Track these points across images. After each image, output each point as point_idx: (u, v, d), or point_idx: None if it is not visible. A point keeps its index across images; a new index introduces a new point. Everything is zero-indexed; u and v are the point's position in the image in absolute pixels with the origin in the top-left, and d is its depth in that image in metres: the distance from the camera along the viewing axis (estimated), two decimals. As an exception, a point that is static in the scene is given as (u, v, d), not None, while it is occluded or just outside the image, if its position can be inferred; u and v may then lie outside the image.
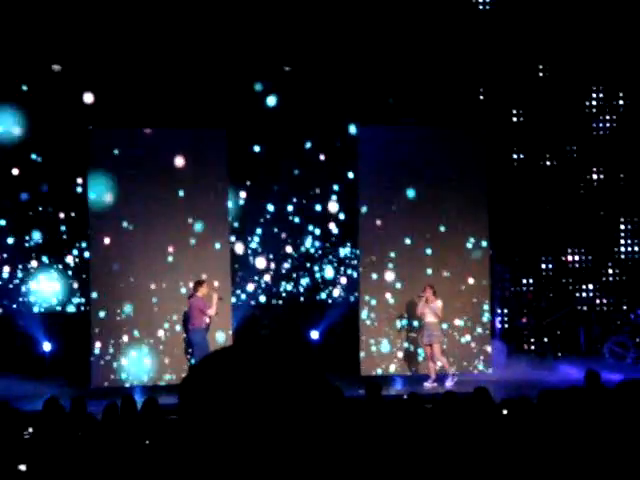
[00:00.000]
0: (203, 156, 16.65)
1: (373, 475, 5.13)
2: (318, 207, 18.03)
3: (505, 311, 19.39)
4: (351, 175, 17.67)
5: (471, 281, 17.21)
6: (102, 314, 16.48)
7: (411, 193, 17.13)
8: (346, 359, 16.92)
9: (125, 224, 16.47)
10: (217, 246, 16.71)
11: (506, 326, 19.34)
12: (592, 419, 7.64)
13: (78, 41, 16.68)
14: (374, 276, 17.18)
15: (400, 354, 17.30)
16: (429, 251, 17.20)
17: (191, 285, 16.14)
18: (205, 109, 16.98)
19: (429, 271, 17.15)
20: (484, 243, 17.35)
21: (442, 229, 17.26)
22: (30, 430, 8.85)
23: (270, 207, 17.99)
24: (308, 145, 17.81)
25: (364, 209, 17.15)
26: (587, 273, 19.76)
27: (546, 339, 19.35)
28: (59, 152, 17.02)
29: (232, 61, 17.17)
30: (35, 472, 7.08)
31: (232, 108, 17.07)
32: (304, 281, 18.46)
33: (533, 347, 19.42)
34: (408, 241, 17.12)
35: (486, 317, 17.40)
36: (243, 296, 18.07)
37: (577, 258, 19.80)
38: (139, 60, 16.97)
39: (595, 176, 19.69)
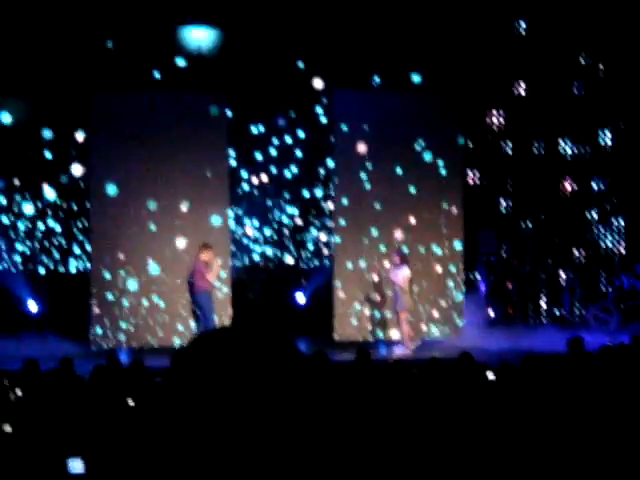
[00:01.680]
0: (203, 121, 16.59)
1: (366, 439, 5.18)
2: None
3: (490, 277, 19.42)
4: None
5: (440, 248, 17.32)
6: (106, 275, 16.48)
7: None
8: (321, 323, 17.06)
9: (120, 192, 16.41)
10: (213, 220, 16.69)
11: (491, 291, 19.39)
12: (575, 385, 7.70)
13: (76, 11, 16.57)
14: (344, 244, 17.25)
15: (369, 318, 17.36)
16: (404, 217, 17.19)
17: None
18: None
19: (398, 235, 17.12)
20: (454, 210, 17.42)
21: (415, 195, 17.24)
22: (18, 392, 8.85)
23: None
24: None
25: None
26: (569, 238, 19.81)
27: (530, 305, 19.44)
28: (59, 115, 16.91)
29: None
30: (20, 433, 7.10)
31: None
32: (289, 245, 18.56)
33: (518, 313, 19.48)
34: (378, 206, 17.11)
35: (460, 285, 17.46)
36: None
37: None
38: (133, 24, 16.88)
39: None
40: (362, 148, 16.78)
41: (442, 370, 6.76)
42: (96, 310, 16.44)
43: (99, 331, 16.45)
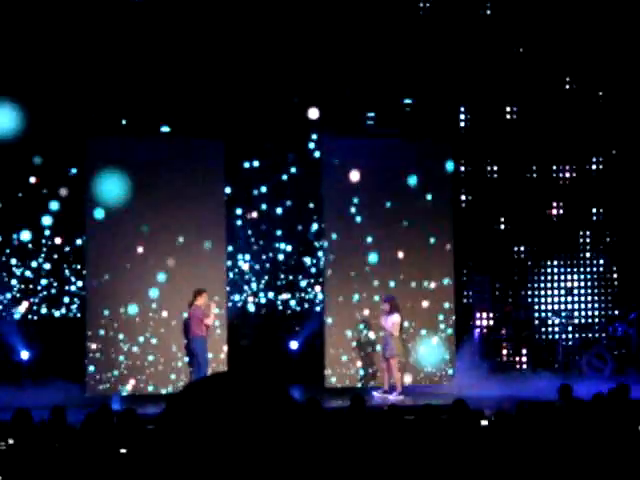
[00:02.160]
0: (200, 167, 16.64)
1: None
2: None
3: (484, 322, 19.37)
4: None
5: (432, 285, 17.28)
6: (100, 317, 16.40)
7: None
8: (311, 370, 17.03)
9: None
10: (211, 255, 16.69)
11: (485, 337, 19.33)
12: (567, 432, 7.68)
13: (78, 49, 16.69)
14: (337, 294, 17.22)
15: (360, 365, 17.29)
16: (397, 258, 17.17)
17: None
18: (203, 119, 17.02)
19: (392, 284, 17.15)
20: (448, 246, 17.42)
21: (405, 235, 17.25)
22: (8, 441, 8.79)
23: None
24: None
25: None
26: (560, 283, 19.85)
27: (524, 352, 19.37)
28: (56, 159, 16.96)
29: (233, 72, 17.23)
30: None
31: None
32: (280, 291, 18.54)
33: (511, 360, 19.41)
34: (374, 256, 17.13)
35: (449, 329, 17.42)
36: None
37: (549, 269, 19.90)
38: (137, 68, 16.99)
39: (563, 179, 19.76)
40: (355, 176, 16.83)
41: (436, 416, 6.73)
42: (91, 354, 16.35)
43: (93, 376, 16.33)
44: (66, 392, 15.16)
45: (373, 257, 17.08)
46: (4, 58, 16.52)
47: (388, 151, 17.29)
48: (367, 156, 17.15)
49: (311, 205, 18.07)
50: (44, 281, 17.88)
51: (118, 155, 16.36)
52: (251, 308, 18.49)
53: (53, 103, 16.81)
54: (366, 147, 17.35)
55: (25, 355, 17.31)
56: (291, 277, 18.63)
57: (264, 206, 18.12)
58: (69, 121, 16.79)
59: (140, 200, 16.26)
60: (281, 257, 18.44)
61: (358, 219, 17.13)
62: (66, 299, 17.98)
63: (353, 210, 17.10)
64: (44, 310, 18.00)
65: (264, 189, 18.06)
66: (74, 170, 17.10)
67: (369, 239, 17.08)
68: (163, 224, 16.42)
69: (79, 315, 17.61)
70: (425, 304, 17.22)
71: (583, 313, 19.83)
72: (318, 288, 18.23)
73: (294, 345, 18.16)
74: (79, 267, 17.62)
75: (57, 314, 18.05)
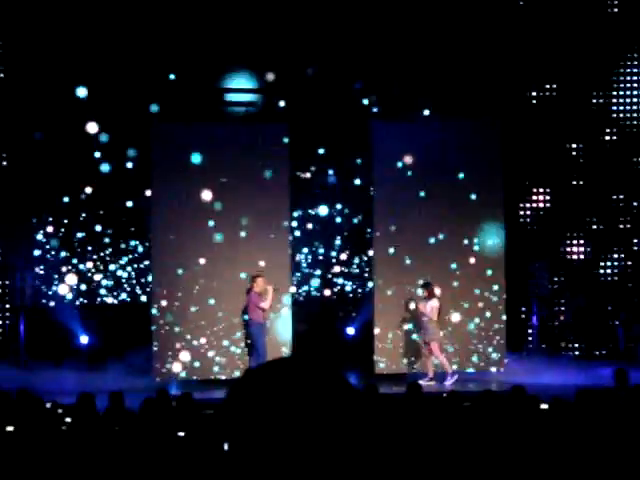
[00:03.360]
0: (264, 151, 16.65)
1: (415, 472, 5.10)
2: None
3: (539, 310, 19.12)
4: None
5: (489, 272, 17.12)
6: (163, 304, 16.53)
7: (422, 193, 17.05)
8: (360, 355, 17.02)
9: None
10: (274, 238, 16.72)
11: (544, 325, 19.10)
12: (623, 417, 7.57)
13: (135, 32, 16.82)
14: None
15: (406, 351, 17.23)
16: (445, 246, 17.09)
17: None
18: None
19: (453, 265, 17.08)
20: (498, 238, 17.24)
21: (455, 222, 17.12)
22: (66, 424, 8.88)
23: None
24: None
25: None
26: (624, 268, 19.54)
27: (584, 340, 19.14)
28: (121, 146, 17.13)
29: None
30: (68, 466, 7.10)
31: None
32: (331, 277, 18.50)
33: (570, 347, 19.18)
34: (424, 236, 17.04)
35: (502, 313, 17.26)
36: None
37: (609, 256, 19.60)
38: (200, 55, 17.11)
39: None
40: (408, 159, 16.75)
41: (495, 403, 6.66)
42: (155, 343, 16.50)
43: (159, 363, 16.51)
44: (128, 377, 15.38)
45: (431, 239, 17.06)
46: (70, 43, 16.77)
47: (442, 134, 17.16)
48: (419, 141, 17.05)
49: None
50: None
51: (184, 139, 16.48)
52: (313, 293, 18.49)
53: (120, 87, 16.93)
54: (418, 133, 17.23)
55: (84, 339, 17.51)
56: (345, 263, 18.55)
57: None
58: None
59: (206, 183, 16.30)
60: (338, 242, 18.41)
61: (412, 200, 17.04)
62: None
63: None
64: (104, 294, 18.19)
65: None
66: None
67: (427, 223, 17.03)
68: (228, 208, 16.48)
69: (144, 299, 17.77)
70: (477, 290, 17.13)
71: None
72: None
73: (351, 331, 18.14)
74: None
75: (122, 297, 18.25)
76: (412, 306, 16.92)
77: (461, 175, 17.04)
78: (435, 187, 17.02)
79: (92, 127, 15.98)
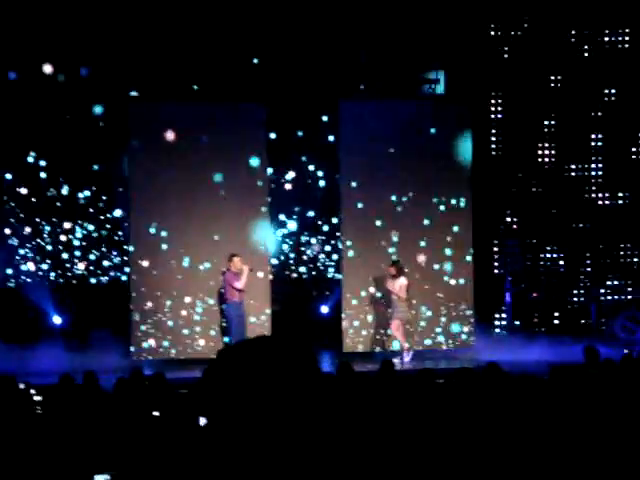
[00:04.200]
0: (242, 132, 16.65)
1: (397, 449, 5.12)
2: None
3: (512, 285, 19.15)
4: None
5: (448, 252, 17.21)
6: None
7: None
8: (330, 334, 17.07)
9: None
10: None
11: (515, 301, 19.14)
12: (596, 394, 7.63)
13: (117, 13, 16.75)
14: (350, 253, 17.17)
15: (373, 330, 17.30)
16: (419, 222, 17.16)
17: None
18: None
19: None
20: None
21: (425, 201, 17.18)
22: (39, 404, 8.85)
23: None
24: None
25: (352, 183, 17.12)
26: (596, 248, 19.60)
27: (557, 316, 19.22)
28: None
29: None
30: (44, 444, 7.07)
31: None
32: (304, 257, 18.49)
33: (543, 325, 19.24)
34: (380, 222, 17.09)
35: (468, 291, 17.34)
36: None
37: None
38: (177, 33, 17.02)
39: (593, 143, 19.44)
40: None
41: (471, 380, 6.69)
42: (136, 319, 16.52)
43: (139, 342, 16.52)
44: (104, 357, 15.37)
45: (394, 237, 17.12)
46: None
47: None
48: (388, 118, 17.08)
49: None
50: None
51: (162, 119, 16.54)
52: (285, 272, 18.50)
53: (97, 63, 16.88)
54: (386, 110, 17.23)
55: (57, 319, 17.43)
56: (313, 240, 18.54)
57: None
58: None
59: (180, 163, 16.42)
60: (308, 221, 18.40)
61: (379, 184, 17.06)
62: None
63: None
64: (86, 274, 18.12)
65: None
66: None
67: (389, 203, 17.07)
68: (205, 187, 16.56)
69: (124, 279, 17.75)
70: (447, 267, 17.20)
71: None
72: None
73: (325, 310, 18.16)
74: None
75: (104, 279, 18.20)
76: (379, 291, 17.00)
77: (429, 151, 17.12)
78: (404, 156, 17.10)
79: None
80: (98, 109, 16.83)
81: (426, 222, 17.17)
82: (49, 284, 17.73)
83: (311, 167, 18.17)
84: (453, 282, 17.23)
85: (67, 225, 17.68)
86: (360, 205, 17.03)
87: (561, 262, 19.44)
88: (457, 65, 17.94)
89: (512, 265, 18.86)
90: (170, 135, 16.34)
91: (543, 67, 18.98)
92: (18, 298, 17.42)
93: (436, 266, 17.19)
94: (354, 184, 17.05)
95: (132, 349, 16.49)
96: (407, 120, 17.11)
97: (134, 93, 16.80)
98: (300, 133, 17.96)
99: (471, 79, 18.08)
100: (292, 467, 2.00)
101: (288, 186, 18.10)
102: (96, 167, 17.52)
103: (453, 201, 17.27)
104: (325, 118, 17.83)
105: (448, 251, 17.20)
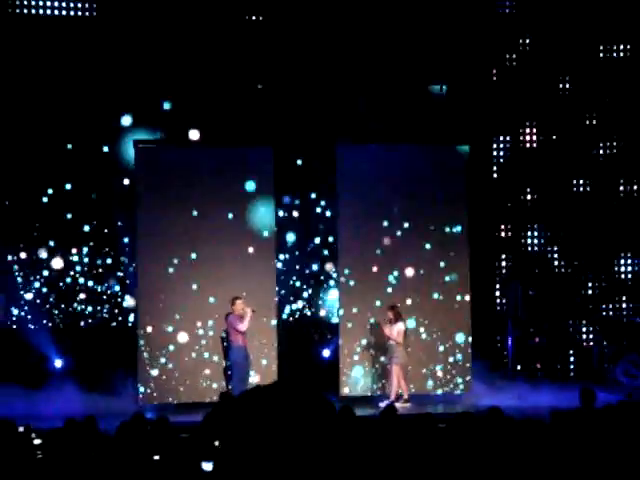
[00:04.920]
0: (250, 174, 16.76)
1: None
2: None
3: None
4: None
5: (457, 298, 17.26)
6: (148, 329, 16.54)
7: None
8: (326, 378, 16.93)
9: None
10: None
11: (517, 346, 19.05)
12: (592, 438, 7.61)
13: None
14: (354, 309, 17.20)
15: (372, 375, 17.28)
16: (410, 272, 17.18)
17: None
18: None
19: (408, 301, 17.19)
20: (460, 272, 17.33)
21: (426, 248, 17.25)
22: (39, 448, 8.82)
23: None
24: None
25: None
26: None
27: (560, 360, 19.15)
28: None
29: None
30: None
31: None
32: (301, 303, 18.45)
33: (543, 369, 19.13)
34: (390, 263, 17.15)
35: (462, 337, 17.27)
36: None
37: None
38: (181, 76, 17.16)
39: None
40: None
41: (473, 425, 6.68)
42: (142, 365, 16.49)
43: (142, 388, 16.49)
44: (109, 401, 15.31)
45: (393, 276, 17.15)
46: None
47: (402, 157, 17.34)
48: (384, 163, 17.19)
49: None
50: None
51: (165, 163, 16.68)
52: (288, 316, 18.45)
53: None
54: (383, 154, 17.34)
55: (58, 363, 17.36)
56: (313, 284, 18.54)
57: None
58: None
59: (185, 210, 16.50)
60: (315, 267, 18.38)
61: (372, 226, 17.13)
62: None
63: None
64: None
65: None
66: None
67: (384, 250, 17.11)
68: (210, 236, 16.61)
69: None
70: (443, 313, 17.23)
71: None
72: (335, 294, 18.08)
73: (326, 353, 18.11)
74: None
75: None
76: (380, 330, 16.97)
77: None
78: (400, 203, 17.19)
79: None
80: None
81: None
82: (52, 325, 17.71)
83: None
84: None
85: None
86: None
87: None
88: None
89: (513, 309, 18.83)
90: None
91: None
92: (19, 340, 17.38)
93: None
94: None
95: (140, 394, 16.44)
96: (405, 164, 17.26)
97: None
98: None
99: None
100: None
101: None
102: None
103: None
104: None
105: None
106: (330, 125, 17.41)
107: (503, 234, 19.33)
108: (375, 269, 17.15)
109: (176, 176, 16.58)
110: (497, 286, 19.20)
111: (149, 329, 16.53)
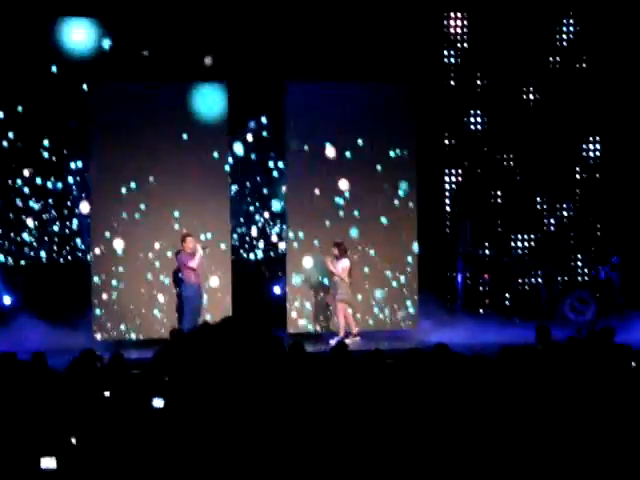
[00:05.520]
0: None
1: (350, 431, 5.16)
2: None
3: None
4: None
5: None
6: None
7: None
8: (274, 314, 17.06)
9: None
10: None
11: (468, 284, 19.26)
12: (545, 374, 7.72)
13: None
14: (300, 234, 17.23)
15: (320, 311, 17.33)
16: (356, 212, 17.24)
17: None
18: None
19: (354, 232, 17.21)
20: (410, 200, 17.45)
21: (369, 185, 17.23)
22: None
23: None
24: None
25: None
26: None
27: (507, 297, 19.36)
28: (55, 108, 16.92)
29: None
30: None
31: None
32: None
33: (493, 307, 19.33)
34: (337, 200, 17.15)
35: (410, 266, 17.38)
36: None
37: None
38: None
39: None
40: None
41: (421, 361, 6.75)
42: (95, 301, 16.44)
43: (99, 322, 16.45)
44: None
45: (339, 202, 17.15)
46: None
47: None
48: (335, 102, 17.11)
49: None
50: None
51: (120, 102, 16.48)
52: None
53: None
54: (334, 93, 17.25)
55: (7, 299, 17.26)
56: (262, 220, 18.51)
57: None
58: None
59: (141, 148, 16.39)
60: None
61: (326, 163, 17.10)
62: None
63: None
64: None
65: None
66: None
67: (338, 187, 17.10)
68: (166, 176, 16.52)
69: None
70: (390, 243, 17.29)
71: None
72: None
73: (277, 290, 18.15)
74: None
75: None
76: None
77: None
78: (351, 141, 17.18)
79: None
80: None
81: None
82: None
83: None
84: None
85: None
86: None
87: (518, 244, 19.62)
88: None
89: (464, 246, 18.96)
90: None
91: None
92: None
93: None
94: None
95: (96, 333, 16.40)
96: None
97: None
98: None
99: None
100: (249, 448, 2.00)
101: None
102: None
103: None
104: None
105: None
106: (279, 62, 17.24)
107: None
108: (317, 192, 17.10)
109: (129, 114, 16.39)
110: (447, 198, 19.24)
111: (97, 251, 16.42)
